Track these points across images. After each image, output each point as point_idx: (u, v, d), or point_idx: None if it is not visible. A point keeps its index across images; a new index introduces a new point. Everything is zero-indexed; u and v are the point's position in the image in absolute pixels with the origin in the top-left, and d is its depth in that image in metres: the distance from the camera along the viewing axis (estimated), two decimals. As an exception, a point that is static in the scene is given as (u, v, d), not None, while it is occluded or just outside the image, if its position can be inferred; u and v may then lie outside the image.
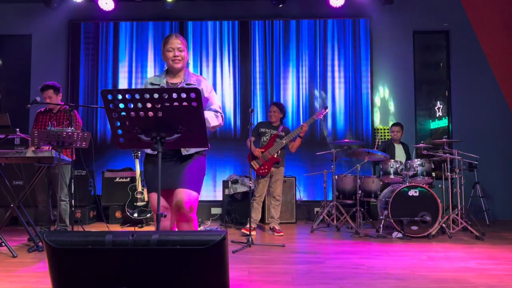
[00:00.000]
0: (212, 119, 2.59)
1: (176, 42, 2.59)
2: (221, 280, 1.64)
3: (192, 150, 2.56)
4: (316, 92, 6.94)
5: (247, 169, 6.28)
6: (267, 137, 5.11)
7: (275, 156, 5.03)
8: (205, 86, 2.66)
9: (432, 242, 4.52)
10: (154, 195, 2.52)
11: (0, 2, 6.92)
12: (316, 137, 6.86)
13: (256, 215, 5.09)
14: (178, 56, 2.59)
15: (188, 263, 1.60)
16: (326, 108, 5.11)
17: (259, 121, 6.09)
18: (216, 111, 2.66)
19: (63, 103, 4.66)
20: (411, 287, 2.85)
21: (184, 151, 2.53)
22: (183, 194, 2.46)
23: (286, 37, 7.04)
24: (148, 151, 2.59)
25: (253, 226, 5.06)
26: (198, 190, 2.54)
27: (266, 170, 5.03)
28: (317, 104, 6.93)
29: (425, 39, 7.31)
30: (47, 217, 4.56)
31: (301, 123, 6.82)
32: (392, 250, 4.12)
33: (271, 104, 5.36)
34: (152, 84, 2.68)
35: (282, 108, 5.24)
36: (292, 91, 6.97)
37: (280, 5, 6.71)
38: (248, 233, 4.79)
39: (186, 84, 2.60)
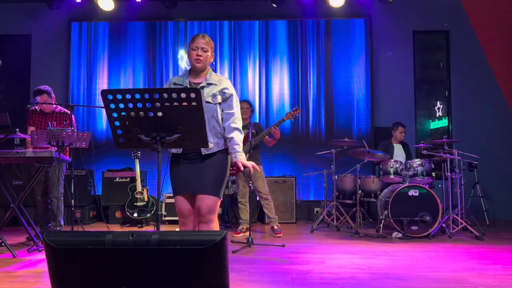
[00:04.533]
0: (240, 139, 2.62)
1: (201, 41, 2.59)
2: (221, 280, 1.64)
3: (214, 149, 2.57)
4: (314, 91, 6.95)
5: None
6: None
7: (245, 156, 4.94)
8: (228, 86, 2.65)
9: (432, 242, 4.52)
10: (178, 198, 2.59)
11: (0, 2, 6.92)
12: (316, 137, 6.86)
13: (244, 215, 5.08)
14: (201, 56, 2.58)
15: (188, 263, 1.60)
16: (296, 108, 4.65)
17: (256, 120, 6.05)
18: (236, 126, 2.63)
19: (55, 104, 4.65)
20: (411, 287, 2.86)
21: (204, 151, 2.54)
22: (202, 200, 2.52)
23: (286, 37, 7.04)
24: (173, 150, 2.61)
25: (244, 228, 5.07)
26: (218, 192, 2.56)
27: (234, 172, 4.87)
28: (315, 105, 6.94)
29: (425, 39, 7.31)
30: (46, 217, 4.55)
31: (302, 125, 6.83)
32: (392, 250, 4.12)
33: (241, 101, 5.24)
34: (175, 84, 2.67)
35: (251, 105, 5.22)
36: (291, 91, 6.97)
37: (274, 5, 6.70)
38: (238, 235, 4.87)
39: (207, 84, 2.60)
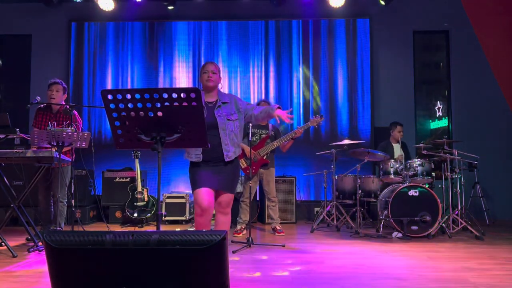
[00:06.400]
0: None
1: (210, 66, 3.11)
2: (221, 280, 1.64)
3: (233, 157, 3.06)
4: (315, 93, 6.96)
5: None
6: (256, 138, 5.04)
7: (264, 157, 4.97)
8: (239, 102, 3.15)
9: (432, 242, 4.52)
10: (200, 191, 2.99)
11: (0, 2, 6.92)
12: (316, 137, 6.86)
13: (244, 215, 5.08)
14: (211, 77, 3.07)
15: (188, 263, 1.61)
16: (321, 116, 4.76)
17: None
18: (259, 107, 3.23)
19: (63, 103, 4.64)
20: (411, 287, 2.86)
21: (227, 158, 3.02)
22: (224, 196, 3.08)
23: (285, 37, 7.04)
24: (194, 159, 3.04)
25: (242, 227, 5.08)
26: (234, 190, 3.14)
27: (253, 171, 4.95)
28: (315, 105, 6.94)
29: (425, 39, 7.31)
30: (47, 217, 4.54)
31: (300, 124, 6.84)
32: (392, 250, 4.12)
33: (261, 101, 5.26)
34: None
35: (270, 105, 5.19)
36: (291, 90, 6.97)
37: (278, 4, 6.73)
38: (239, 236, 4.87)
39: (222, 103, 3.08)
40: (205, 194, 2.97)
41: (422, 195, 4.79)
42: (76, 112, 4.58)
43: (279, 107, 3.08)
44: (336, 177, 5.50)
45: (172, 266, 1.61)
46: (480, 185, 6.27)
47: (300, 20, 7.04)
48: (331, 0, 6.58)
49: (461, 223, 4.86)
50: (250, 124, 4.56)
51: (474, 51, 6.79)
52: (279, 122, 3.06)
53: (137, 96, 1.99)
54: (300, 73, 7.00)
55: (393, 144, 5.82)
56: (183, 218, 5.89)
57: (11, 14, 7.04)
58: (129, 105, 2.02)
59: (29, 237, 4.34)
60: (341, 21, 7.03)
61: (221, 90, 3.21)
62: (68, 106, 4.51)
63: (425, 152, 5.20)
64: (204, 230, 2.95)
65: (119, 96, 2.00)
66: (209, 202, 2.98)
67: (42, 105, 4.55)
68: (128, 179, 6.04)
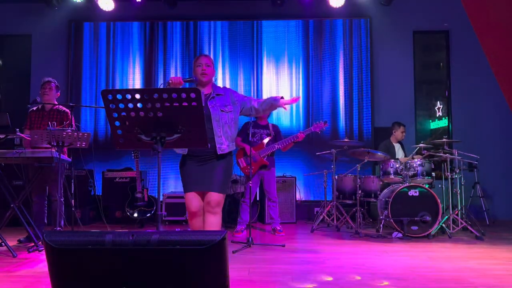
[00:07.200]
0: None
1: (204, 59, 3.06)
2: (221, 280, 1.64)
3: (226, 150, 2.96)
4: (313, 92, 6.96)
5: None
6: (257, 138, 5.04)
7: (264, 159, 4.98)
8: (233, 94, 3.09)
9: (432, 242, 4.52)
10: (189, 195, 2.99)
11: (0, 2, 6.92)
12: (316, 137, 6.85)
13: (245, 215, 5.07)
14: (205, 70, 3.01)
15: (188, 263, 1.61)
16: (325, 122, 4.90)
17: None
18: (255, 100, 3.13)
19: (57, 103, 4.61)
20: (411, 287, 2.86)
21: (220, 151, 2.93)
22: (212, 196, 2.92)
23: (286, 37, 7.04)
24: (179, 151, 2.98)
25: (242, 228, 5.09)
26: (224, 190, 2.99)
27: (252, 171, 4.94)
28: (315, 105, 6.94)
29: (425, 39, 7.31)
30: (41, 219, 4.51)
31: (301, 125, 6.84)
32: (392, 250, 4.12)
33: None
34: None
35: None
36: (291, 90, 6.97)
37: (279, 2, 6.72)
38: (239, 236, 4.87)
39: (216, 95, 3.01)
40: (193, 199, 2.98)
41: (422, 195, 4.80)
42: (68, 111, 4.54)
43: (282, 97, 2.99)
44: (336, 177, 5.51)
45: (172, 266, 1.61)
46: (480, 185, 6.26)
47: (300, 20, 7.04)
48: (331, 0, 6.58)
49: (461, 223, 4.86)
50: (251, 124, 4.58)
51: (474, 51, 6.78)
52: (286, 109, 3.01)
53: (137, 96, 1.99)
54: (300, 73, 7.00)
55: (394, 144, 5.84)
56: (183, 218, 5.89)
57: (11, 14, 7.04)
58: (129, 105, 2.02)
59: (21, 240, 4.34)
60: (341, 21, 7.02)
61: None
62: (62, 107, 4.52)
63: (425, 152, 5.20)
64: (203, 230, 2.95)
65: (119, 96, 2.00)
66: (197, 206, 2.99)
67: (34, 107, 4.55)
68: (128, 179, 6.04)
